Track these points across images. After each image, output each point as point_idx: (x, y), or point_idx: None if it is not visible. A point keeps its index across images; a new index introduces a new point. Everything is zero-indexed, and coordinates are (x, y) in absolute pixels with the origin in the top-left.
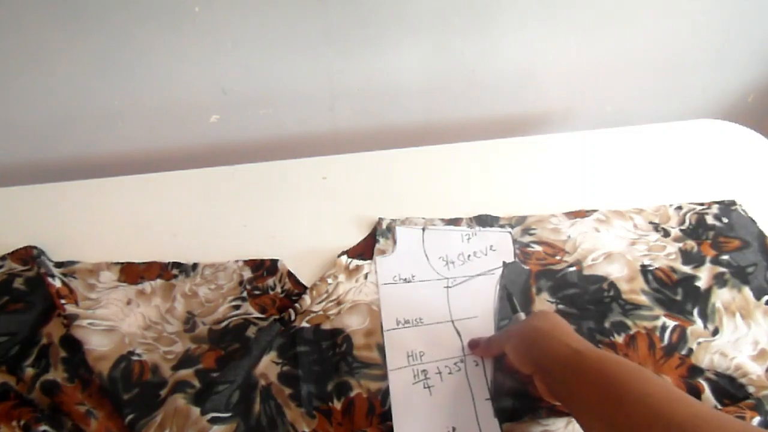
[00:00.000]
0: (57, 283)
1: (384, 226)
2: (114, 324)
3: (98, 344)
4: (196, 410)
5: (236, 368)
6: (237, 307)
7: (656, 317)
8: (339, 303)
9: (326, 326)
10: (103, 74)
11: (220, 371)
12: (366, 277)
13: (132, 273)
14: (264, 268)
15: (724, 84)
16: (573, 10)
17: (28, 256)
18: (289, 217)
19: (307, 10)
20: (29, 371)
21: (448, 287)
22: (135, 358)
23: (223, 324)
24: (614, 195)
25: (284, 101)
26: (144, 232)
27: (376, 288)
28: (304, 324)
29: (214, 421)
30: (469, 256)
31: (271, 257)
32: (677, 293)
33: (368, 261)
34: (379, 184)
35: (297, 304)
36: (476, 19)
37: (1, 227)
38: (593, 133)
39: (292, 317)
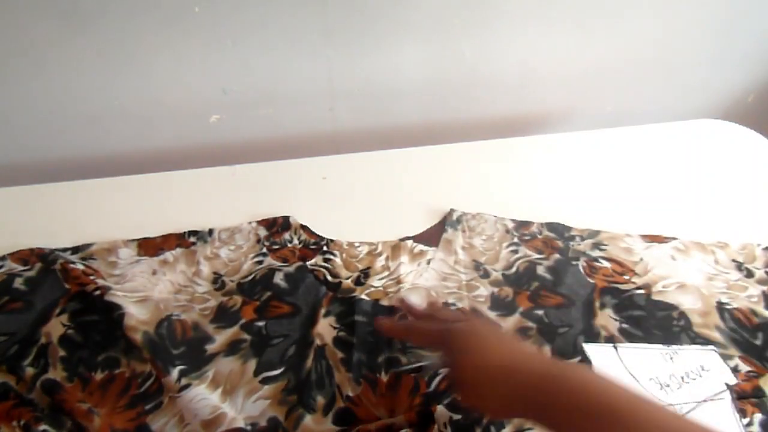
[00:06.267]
0: (80, 267)
1: (454, 217)
2: (146, 294)
3: (136, 313)
4: (250, 370)
5: (289, 324)
6: (260, 262)
7: (730, 357)
8: (399, 282)
9: (384, 302)
10: (103, 74)
11: (263, 320)
12: (428, 263)
13: (150, 247)
14: (278, 225)
15: (724, 84)
16: (573, 11)
17: (31, 255)
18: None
19: (307, 10)
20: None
21: None
22: (175, 317)
23: (250, 277)
24: (614, 195)
25: (284, 101)
26: (144, 232)
27: (435, 274)
28: (364, 296)
29: (265, 381)
30: (682, 377)
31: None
32: (757, 337)
33: (433, 248)
34: (378, 184)
35: (360, 277)
36: (476, 19)
37: (1, 227)
38: (593, 133)
39: (328, 277)
